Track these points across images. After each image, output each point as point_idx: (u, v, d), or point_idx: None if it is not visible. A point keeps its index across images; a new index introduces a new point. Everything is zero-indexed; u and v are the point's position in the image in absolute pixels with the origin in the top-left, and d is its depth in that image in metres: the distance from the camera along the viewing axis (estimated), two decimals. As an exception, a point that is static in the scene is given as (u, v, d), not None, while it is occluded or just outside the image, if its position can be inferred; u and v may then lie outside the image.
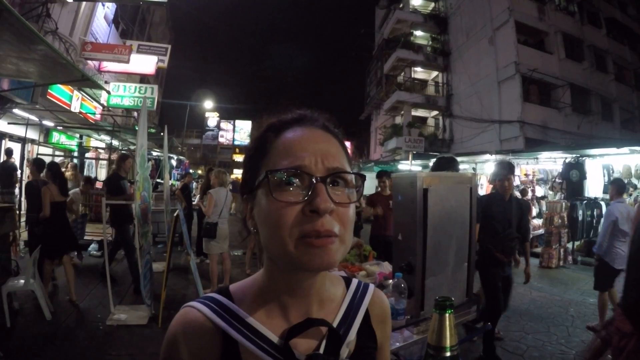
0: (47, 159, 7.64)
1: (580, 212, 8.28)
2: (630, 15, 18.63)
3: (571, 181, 8.98)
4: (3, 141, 8.67)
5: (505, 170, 3.65)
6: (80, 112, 9.73)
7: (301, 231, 0.52)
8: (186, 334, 0.59)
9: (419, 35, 21.58)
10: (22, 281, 4.06)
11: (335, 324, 0.64)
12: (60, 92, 8.61)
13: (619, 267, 4.35)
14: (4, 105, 7.11)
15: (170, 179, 11.63)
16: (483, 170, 11.96)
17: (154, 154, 14.18)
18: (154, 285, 4.49)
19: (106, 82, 11.49)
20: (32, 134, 8.74)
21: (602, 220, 4.91)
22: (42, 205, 4.41)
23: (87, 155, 11.94)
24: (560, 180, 9.56)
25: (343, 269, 2.80)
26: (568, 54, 15.95)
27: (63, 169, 8.81)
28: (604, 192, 8.64)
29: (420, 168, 13.74)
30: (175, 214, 4.84)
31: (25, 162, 8.58)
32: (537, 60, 15.07)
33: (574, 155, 9.18)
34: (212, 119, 41.83)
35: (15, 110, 7.52)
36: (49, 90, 7.94)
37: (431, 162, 3.87)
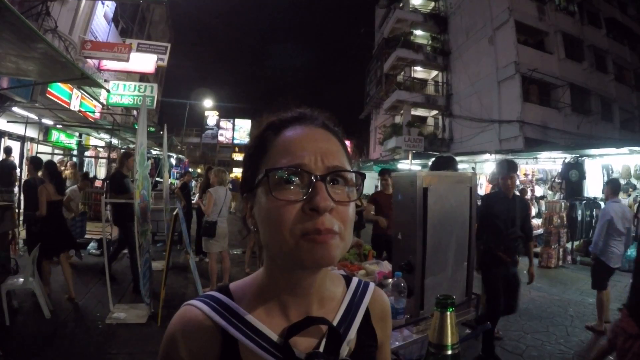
0: (47, 158, 7.65)
1: (580, 212, 8.29)
2: (630, 15, 18.63)
3: (570, 181, 8.98)
4: (2, 139, 8.66)
5: (508, 169, 3.61)
6: (79, 111, 9.71)
7: (302, 229, 0.52)
8: (186, 332, 0.59)
9: (419, 35, 21.58)
10: (21, 280, 4.06)
11: (335, 323, 0.64)
12: (59, 91, 8.60)
13: (614, 265, 4.45)
14: (3, 104, 7.10)
15: (169, 177, 11.63)
16: (482, 169, 11.96)
17: (154, 152, 14.17)
18: (153, 284, 4.49)
19: (106, 81, 11.47)
20: (32, 133, 8.72)
21: (599, 219, 4.92)
22: (39, 204, 4.41)
23: (86, 153, 11.94)
24: (559, 180, 9.57)
25: (342, 268, 2.79)
26: (568, 54, 15.95)
27: (62, 168, 8.82)
28: (603, 192, 8.67)
29: (419, 167, 13.75)
30: (174, 213, 4.84)
31: (24, 160, 8.57)
32: (537, 60, 15.06)
33: (574, 155, 9.18)
34: (211, 117, 41.81)
35: (15, 109, 7.51)
36: (48, 89, 7.92)
37: (430, 162, 3.85)
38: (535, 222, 9.26)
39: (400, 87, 20.52)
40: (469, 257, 2.46)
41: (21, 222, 5.85)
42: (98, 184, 9.71)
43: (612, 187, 4.90)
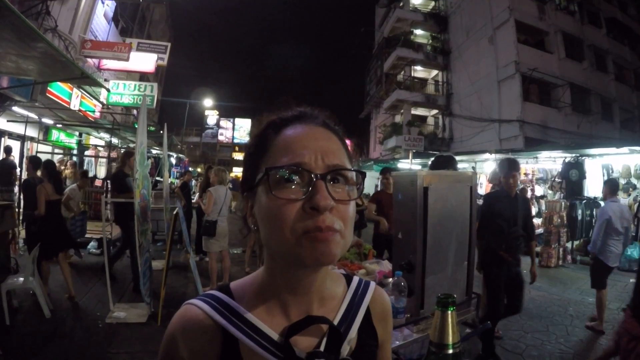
0: (47, 157, 7.64)
1: (580, 211, 8.30)
2: (631, 15, 18.62)
3: (570, 181, 8.98)
4: (2, 139, 8.66)
5: (511, 167, 3.58)
6: (79, 110, 9.71)
7: (303, 227, 0.52)
8: (186, 332, 0.59)
9: (419, 34, 21.58)
10: (21, 279, 4.06)
11: (336, 322, 0.63)
12: (59, 90, 8.59)
13: (613, 264, 4.48)
14: (3, 103, 7.10)
15: (169, 177, 11.63)
16: (482, 169, 11.97)
17: (154, 152, 14.18)
18: (153, 283, 4.48)
19: (106, 80, 11.47)
20: (32, 132, 8.72)
21: (597, 219, 4.94)
22: (37, 204, 4.41)
23: (86, 153, 11.93)
24: (559, 180, 9.56)
25: (342, 268, 2.79)
26: (568, 53, 15.94)
27: (62, 167, 8.82)
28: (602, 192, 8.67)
29: (419, 167, 13.75)
30: (174, 212, 4.84)
31: (24, 159, 8.57)
32: (537, 60, 15.06)
33: (574, 155, 9.19)
34: (211, 117, 41.85)
35: (15, 108, 7.51)
36: (48, 88, 7.92)
37: (430, 161, 3.84)
38: (536, 221, 9.24)
39: (401, 87, 20.52)
40: (469, 257, 2.47)
41: (21, 222, 5.85)
42: (98, 183, 9.71)
43: (610, 186, 4.93)
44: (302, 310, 0.61)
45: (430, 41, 21.04)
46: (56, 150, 10.62)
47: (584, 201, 8.45)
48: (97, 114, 11.30)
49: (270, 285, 0.62)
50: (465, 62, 18.23)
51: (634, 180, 8.82)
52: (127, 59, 10.65)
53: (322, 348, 0.60)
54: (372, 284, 0.74)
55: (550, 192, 10.13)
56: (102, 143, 12.34)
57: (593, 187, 9.02)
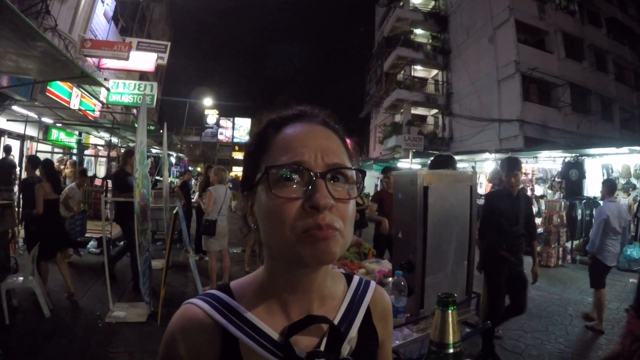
0: (47, 156, 7.64)
1: (579, 211, 8.30)
2: (631, 15, 18.60)
3: (570, 180, 8.99)
4: (2, 138, 8.66)
5: (513, 166, 3.56)
6: (79, 109, 9.71)
7: (303, 226, 0.52)
8: (186, 331, 0.59)
9: (419, 34, 21.57)
10: (21, 278, 4.05)
11: (336, 321, 0.63)
12: (59, 89, 8.60)
13: (611, 264, 4.53)
14: (3, 102, 7.09)
15: (169, 176, 11.62)
16: (482, 169, 11.97)
17: (153, 151, 14.17)
18: (153, 283, 4.49)
19: (105, 79, 11.48)
20: (31, 131, 8.72)
21: (595, 219, 4.97)
22: (36, 203, 4.41)
23: (86, 152, 11.93)
24: (559, 180, 9.57)
25: (342, 267, 2.79)
26: (568, 53, 15.93)
27: (62, 167, 8.82)
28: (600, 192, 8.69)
29: (419, 166, 13.74)
30: (174, 212, 4.84)
31: (24, 159, 8.57)
32: (537, 59, 15.05)
33: (574, 155, 9.19)
34: (211, 116, 41.85)
35: (14, 107, 7.51)
36: (48, 87, 7.92)
37: (430, 161, 3.83)
38: (535, 221, 9.27)
39: (400, 86, 20.51)
40: (469, 256, 2.46)
41: (20, 221, 5.85)
42: (98, 182, 9.71)
43: (608, 186, 4.97)
44: (302, 310, 0.61)
45: (430, 41, 21.03)
46: (56, 150, 10.62)
47: (584, 201, 8.46)
48: (97, 113, 11.31)
49: (270, 285, 0.62)
50: (465, 61, 18.22)
51: (633, 180, 8.83)
52: (127, 58, 10.66)
53: (322, 347, 0.60)
54: (373, 284, 0.74)
55: (550, 191, 10.14)
56: (102, 142, 12.34)
57: (593, 187, 9.03)
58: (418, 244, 2.19)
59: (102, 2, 11.29)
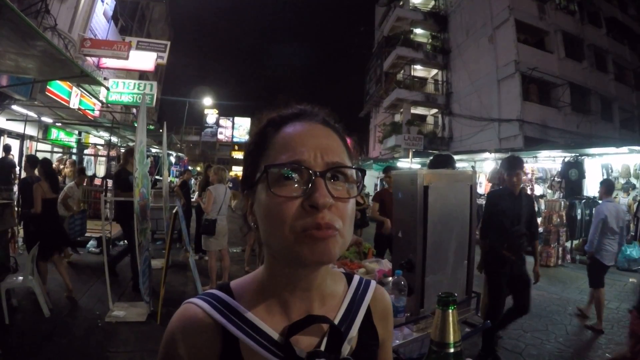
0: (46, 156, 7.64)
1: (579, 211, 8.31)
2: (631, 15, 18.61)
3: (570, 180, 9.00)
4: (1, 138, 8.65)
5: (515, 165, 3.52)
6: (79, 109, 9.71)
7: (302, 225, 0.52)
8: (186, 331, 0.58)
9: (419, 33, 21.57)
10: (20, 278, 4.05)
11: (336, 321, 0.63)
12: (59, 89, 8.59)
13: (609, 263, 4.58)
14: (2, 102, 7.09)
15: (169, 175, 11.61)
16: (482, 168, 11.98)
17: (153, 150, 14.16)
18: (152, 282, 4.49)
19: (105, 79, 11.47)
20: (31, 131, 8.71)
21: (593, 219, 5.00)
22: (34, 202, 4.41)
23: (85, 151, 11.92)
24: (559, 179, 9.58)
25: (342, 267, 2.79)
26: (568, 53, 15.93)
27: (62, 166, 8.81)
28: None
29: (419, 166, 13.74)
30: (174, 211, 4.84)
31: (23, 158, 8.56)
32: (537, 59, 15.05)
33: (573, 155, 9.19)
34: (211, 115, 41.87)
35: (14, 107, 7.50)
36: (47, 87, 7.92)
37: (429, 160, 3.81)
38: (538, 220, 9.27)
39: (400, 86, 20.51)
40: (469, 256, 2.46)
41: (19, 221, 5.85)
42: (97, 182, 9.70)
43: (606, 187, 5.00)
44: (302, 309, 0.61)
45: (430, 40, 21.03)
46: (55, 149, 10.62)
47: (584, 201, 8.47)
48: (97, 113, 11.30)
49: (270, 284, 0.62)
50: (465, 61, 18.22)
51: (633, 180, 8.83)
52: (126, 58, 10.66)
53: (322, 347, 0.59)
54: (373, 283, 0.74)
55: (549, 191, 10.15)
56: (102, 142, 12.34)
57: (592, 187, 9.02)
58: (418, 244, 2.18)
59: (102, 1, 11.29)
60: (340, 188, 0.55)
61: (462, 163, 12.91)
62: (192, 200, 8.56)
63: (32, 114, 8.14)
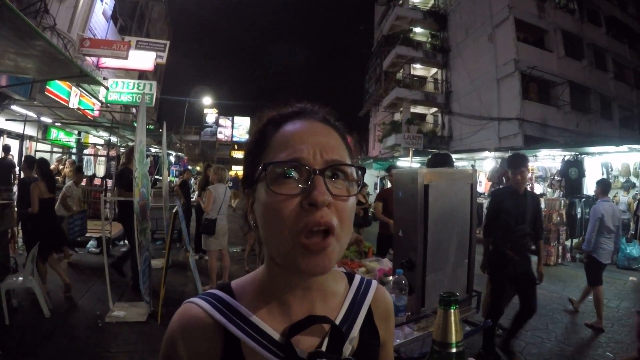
0: (46, 156, 7.63)
1: (579, 209, 8.32)
2: (630, 13, 18.61)
3: (570, 179, 8.99)
4: (1, 138, 8.64)
5: (519, 163, 3.46)
6: (78, 109, 9.69)
7: (300, 225, 0.51)
8: (187, 331, 0.58)
9: (419, 32, 21.55)
10: (20, 278, 4.05)
11: (337, 321, 0.63)
12: (58, 89, 8.58)
13: (605, 261, 4.64)
14: (2, 102, 7.08)
15: (168, 175, 11.61)
16: (482, 167, 11.98)
17: (153, 150, 14.15)
18: (152, 282, 4.48)
19: (104, 79, 11.45)
20: (30, 131, 8.71)
21: (590, 218, 5.03)
22: (31, 202, 4.40)
23: (85, 151, 11.91)
24: (559, 178, 9.57)
25: (342, 266, 2.79)
26: (567, 51, 15.93)
27: (62, 166, 8.81)
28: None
29: (419, 165, 13.73)
30: (174, 211, 4.83)
31: (22, 159, 8.56)
32: (537, 58, 15.06)
33: (573, 153, 9.19)
34: (210, 115, 41.82)
35: (13, 107, 7.49)
36: (47, 87, 7.90)
37: (427, 160, 3.78)
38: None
39: (400, 85, 20.51)
40: (470, 254, 2.46)
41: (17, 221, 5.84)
42: (97, 182, 9.70)
43: (602, 186, 5.06)
44: (303, 310, 0.61)
45: (430, 39, 21.01)
46: (55, 149, 10.61)
47: (583, 199, 8.47)
48: (96, 113, 11.29)
49: (270, 284, 0.62)
50: (464, 60, 18.22)
51: (633, 178, 8.83)
52: (126, 57, 10.64)
53: (323, 348, 0.59)
54: (374, 283, 0.73)
55: (549, 190, 10.15)
56: (101, 142, 12.32)
57: (592, 185, 9.00)
58: (419, 243, 2.19)
59: (101, 0, 11.26)
60: (340, 186, 0.55)
61: (461, 162, 12.91)
62: (192, 199, 8.55)
63: (31, 114, 8.13)
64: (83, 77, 5.20)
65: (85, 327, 3.89)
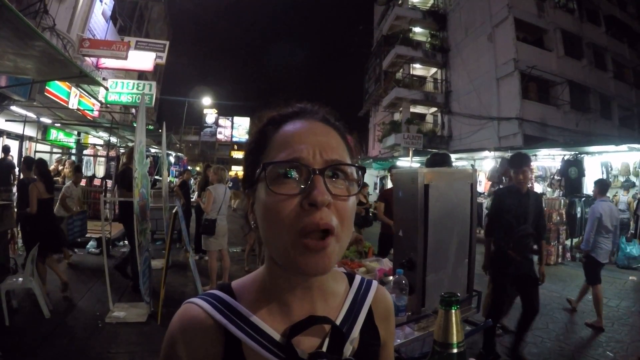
0: (46, 157, 7.63)
1: (579, 209, 8.31)
2: (630, 13, 18.61)
3: (570, 178, 9.00)
4: (0, 139, 8.63)
5: (521, 162, 3.44)
6: (78, 109, 9.69)
7: (300, 226, 0.51)
8: (187, 332, 0.58)
9: (418, 32, 21.55)
10: (20, 279, 4.04)
11: (338, 321, 0.63)
12: (57, 89, 8.57)
13: (603, 261, 4.68)
14: (1, 103, 7.08)
15: (168, 175, 11.61)
16: (481, 167, 11.98)
17: (153, 150, 14.15)
18: (152, 283, 4.48)
19: (104, 79, 11.45)
20: (30, 132, 8.71)
21: (588, 218, 5.05)
22: (29, 202, 4.40)
23: (85, 152, 11.91)
24: (558, 178, 9.58)
25: (342, 266, 2.78)
26: (567, 51, 15.93)
27: (61, 167, 8.80)
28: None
29: (419, 165, 13.73)
30: (173, 211, 4.83)
31: (22, 159, 8.55)
32: (536, 58, 15.06)
33: (573, 153, 9.20)
34: (210, 115, 41.81)
35: (13, 108, 7.49)
36: (46, 87, 7.90)
37: (426, 160, 3.76)
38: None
39: (399, 84, 20.50)
40: (470, 254, 2.46)
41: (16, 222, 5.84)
42: (97, 182, 9.69)
43: (601, 186, 5.10)
44: (303, 310, 0.61)
45: (429, 39, 21.00)
46: (55, 150, 10.61)
47: (583, 199, 8.47)
48: (96, 113, 11.29)
49: (271, 285, 0.61)
50: (464, 59, 18.22)
51: (632, 178, 8.84)
52: (125, 58, 10.64)
53: (324, 348, 0.59)
54: (375, 283, 0.73)
55: (549, 189, 10.15)
56: (101, 142, 12.32)
57: (592, 185, 9.02)
58: (419, 242, 2.18)
59: (101, 1, 11.26)
60: (340, 186, 0.55)
61: (461, 161, 12.92)
62: (191, 200, 8.55)
63: (31, 114, 8.12)
64: (82, 78, 5.20)
65: (85, 327, 3.88)
